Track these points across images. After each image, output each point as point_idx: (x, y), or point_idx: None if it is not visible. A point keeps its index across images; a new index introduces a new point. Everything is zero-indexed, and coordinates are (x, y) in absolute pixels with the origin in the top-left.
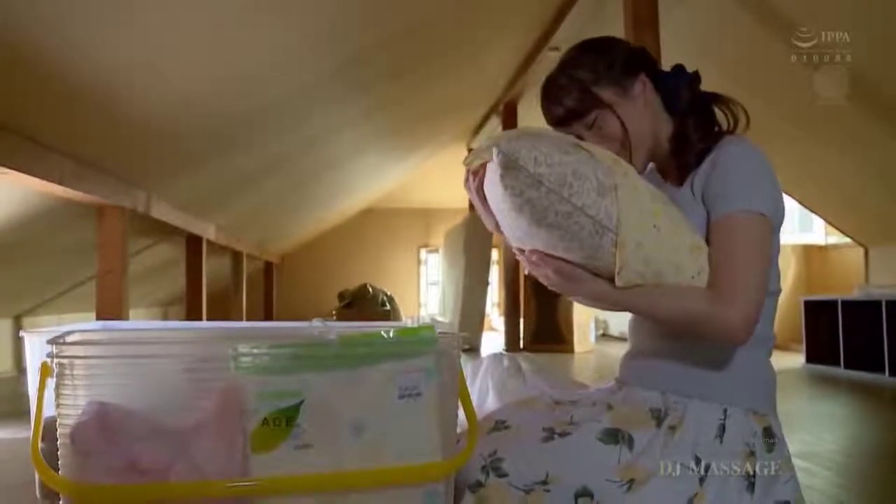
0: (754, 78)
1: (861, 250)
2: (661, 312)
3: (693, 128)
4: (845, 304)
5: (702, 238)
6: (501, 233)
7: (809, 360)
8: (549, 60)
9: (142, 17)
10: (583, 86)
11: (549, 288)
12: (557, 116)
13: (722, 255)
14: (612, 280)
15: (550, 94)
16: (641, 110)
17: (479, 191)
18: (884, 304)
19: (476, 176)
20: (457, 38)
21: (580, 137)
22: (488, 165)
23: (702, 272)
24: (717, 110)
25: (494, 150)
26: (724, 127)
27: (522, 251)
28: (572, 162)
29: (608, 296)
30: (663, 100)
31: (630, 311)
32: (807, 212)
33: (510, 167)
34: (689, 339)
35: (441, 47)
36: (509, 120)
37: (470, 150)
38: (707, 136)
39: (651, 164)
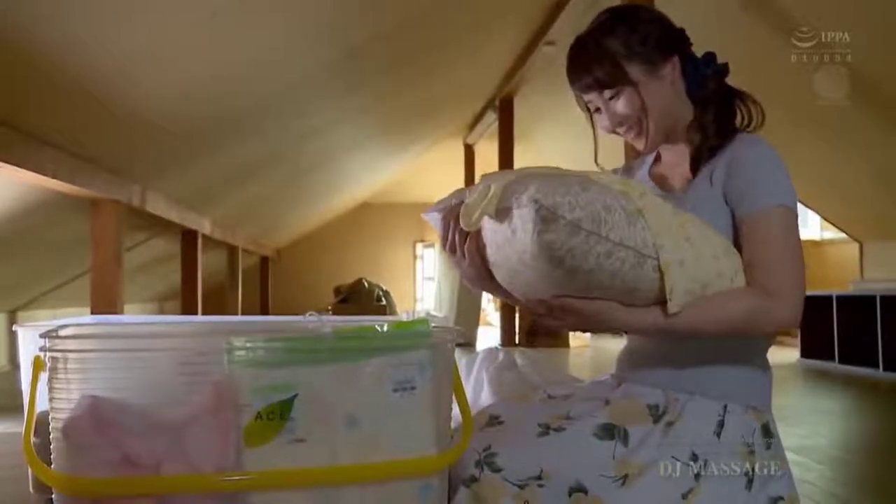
0: (751, 74)
1: (856, 245)
2: (710, 326)
3: (712, 120)
4: (840, 299)
5: (726, 238)
6: (491, 289)
7: (804, 355)
8: (546, 55)
9: (137, 11)
10: (613, 59)
11: (574, 329)
12: (581, 84)
13: (762, 249)
14: (652, 304)
15: (579, 60)
16: (666, 92)
17: (473, 249)
18: (878, 299)
19: (468, 234)
20: (453, 32)
21: (596, 107)
22: (494, 221)
23: (738, 272)
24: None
25: (530, 206)
26: (738, 124)
27: (543, 301)
28: (598, 196)
29: (653, 325)
30: (688, 84)
31: (669, 335)
32: (802, 207)
33: (550, 220)
34: (728, 336)
35: (437, 41)
36: (506, 114)
37: (455, 205)
38: (723, 130)
39: (644, 173)
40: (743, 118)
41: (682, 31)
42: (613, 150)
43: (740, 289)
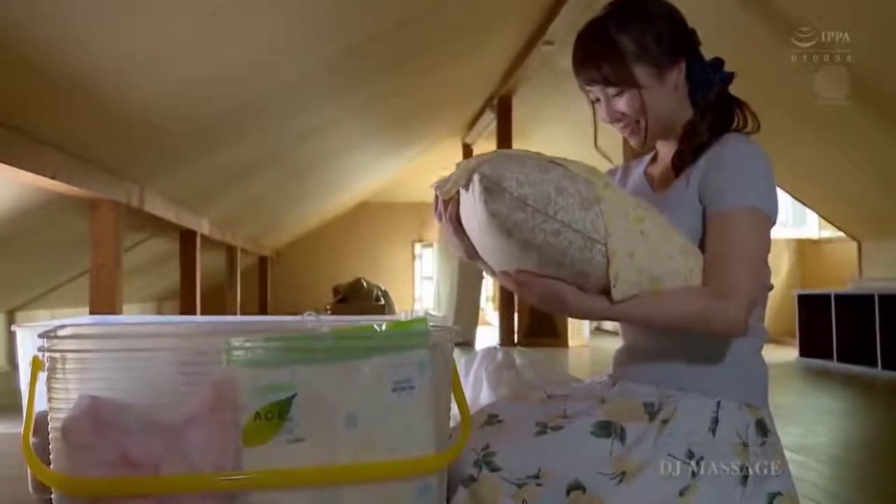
0: (750, 74)
1: (854, 244)
2: (658, 320)
3: (708, 126)
4: (839, 297)
5: (688, 239)
6: (478, 259)
7: (803, 353)
8: (544, 54)
9: (137, 11)
10: (623, 59)
11: (538, 308)
12: (587, 76)
13: (718, 250)
14: (605, 293)
15: (589, 53)
16: (668, 96)
17: (454, 219)
18: (877, 297)
19: (448, 204)
20: (451, 32)
21: (596, 98)
22: (465, 192)
23: (693, 271)
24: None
25: (476, 176)
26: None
27: (508, 274)
28: (553, 179)
29: (602, 311)
30: (692, 88)
31: (626, 322)
32: (801, 206)
33: (494, 191)
34: (683, 335)
35: (436, 41)
36: (504, 114)
37: (441, 178)
38: (714, 133)
39: (640, 172)
40: (738, 123)
41: (693, 31)
42: (614, 135)
43: (693, 288)
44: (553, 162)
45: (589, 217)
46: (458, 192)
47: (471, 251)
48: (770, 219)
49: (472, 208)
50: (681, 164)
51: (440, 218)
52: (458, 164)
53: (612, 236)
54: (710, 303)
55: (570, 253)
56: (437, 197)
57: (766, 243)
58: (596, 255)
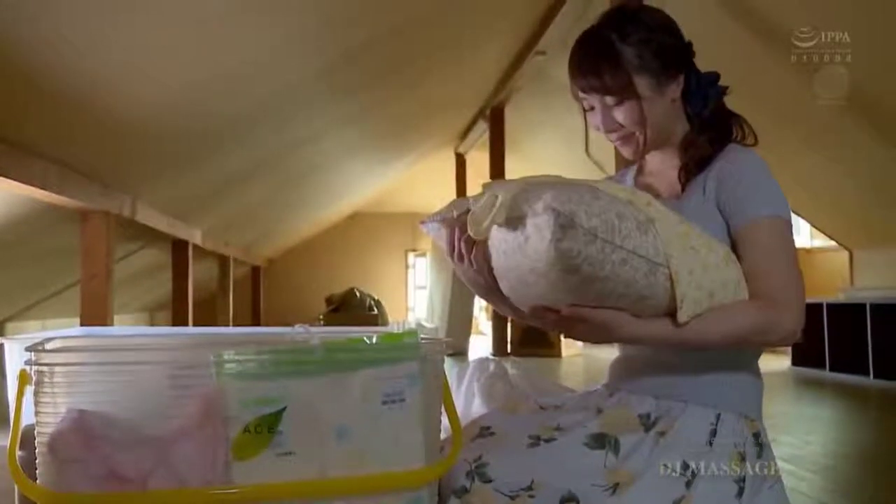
0: (740, 83)
1: (846, 253)
2: (715, 338)
3: (706, 140)
4: (830, 307)
5: (727, 246)
6: (494, 296)
7: (795, 363)
8: (536, 64)
9: (126, 19)
10: (625, 70)
11: (585, 340)
12: (586, 84)
13: (762, 260)
14: (664, 315)
15: (589, 61)
16: (666, 109)
17: (479, 259)
18: (868, 306)
19: (475, 243)
20: (444, 41)
21: (590, 105)
22: (507, 230)
23: (740, 280)
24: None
25: (548, 214)
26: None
27: (549, 310)
28: (609, 205)
29: (663, 336)
30: (688, 101)
31: (678, 347)
32: (792, 215)
33: (567, 227)
34: (733, 348)
35: (428, 50)
36: (497, 124)
37: (459, 213)
38: (715, 146)
39: (629, 182)
40: (736, 136)
41: (689, 44)
42: (606, 144)
43: (747, 301)
44: (594, 186)
45: (649, 240)
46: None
47: (491, 288)
48: (792, 225)
49: (518, 246)
50: (686, 177)
51: (461, 259)
52: (473, 198)
53: (672, 257)
54: (765, 315)
55: (636, 280)
56: (453, 235)
57: (796, 250)
58: (660, 278)
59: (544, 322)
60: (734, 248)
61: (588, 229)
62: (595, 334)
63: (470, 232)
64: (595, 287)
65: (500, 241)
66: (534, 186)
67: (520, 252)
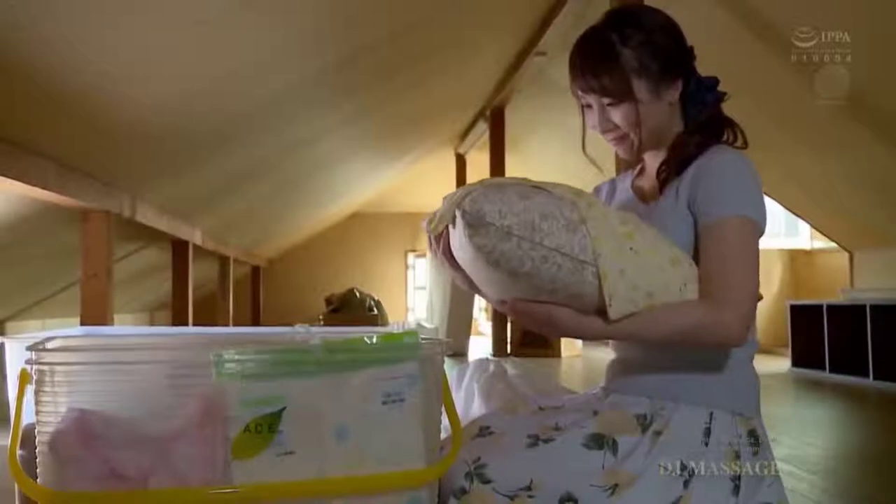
0: (739, 83)
1: (846, 255)
2: (655, 335)
3: (697, 142)
4: (831, 308)
5: (679, 249)
6: (477, 290)
7: (795, 364)
8: (536, 65)
9: (125, 19)
10: (624, 72)
11: (538, 333)
12: (585, 84)
13: (714, 260)
14: (602, 313)
15: (589, 62)
16: (663, 112)
17: (446, 253)
18: (868, 308)
19: (440, 239)
20: (444, 41)
21: (588, 104)
22: (452, 228)
23: (687, 283)
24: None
25: (458, 213)
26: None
27: (505, 302)
28: (536, 205)
29: (599, 331)
30: (686, 105)
31: (624, 340)
32: (793, 216)
33: (477, 225)
34: (675, 346)
35: (428, 50)
36: (497, 124)
37: (430, 215)
38: (701, 148)
39: (627, 185)
40: (727, 139)
41: (690, 48)
42: (604, 143)
43: (689, 301)
44: (536, 187)
45: (576, 239)
46: (446, 227)
47: (471, 282)
48: (759, 227)
49: (459, 243)
50: (666, 175)
51: (434, 254)
52: (444, 199)
53: (601, 256)
54: (705, 315)
55: (561, 277)
56: (427, 232)
57: (756, 252)
58: (588, 276)
59: (505, 313)
60: (697, 245)
61: (500, 227)
62: (543, 327)
63: (427, 229)
64: (523, 281)
65: (453, 240)
66: (475, 187)
67: (460, 248)
